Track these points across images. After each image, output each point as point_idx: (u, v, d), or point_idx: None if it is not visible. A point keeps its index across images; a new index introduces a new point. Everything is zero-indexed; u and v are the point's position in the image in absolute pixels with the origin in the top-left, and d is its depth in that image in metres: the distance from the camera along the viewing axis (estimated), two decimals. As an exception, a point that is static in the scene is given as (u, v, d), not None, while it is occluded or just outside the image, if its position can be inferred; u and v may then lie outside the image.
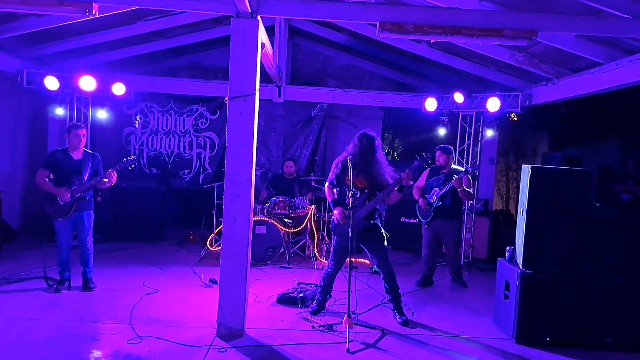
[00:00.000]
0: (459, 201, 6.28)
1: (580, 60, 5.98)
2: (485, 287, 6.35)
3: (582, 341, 4.56)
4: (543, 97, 7.23)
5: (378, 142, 4.83)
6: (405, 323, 4.84)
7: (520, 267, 4.65)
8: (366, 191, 4.81)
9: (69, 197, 5.28)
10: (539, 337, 4.55)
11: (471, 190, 6.18)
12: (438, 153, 6.32)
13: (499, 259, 5.16)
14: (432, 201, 6.27)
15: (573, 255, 4.58)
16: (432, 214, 6.27)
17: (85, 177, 5.39)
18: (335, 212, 4.86)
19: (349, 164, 4.61)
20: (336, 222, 4.86)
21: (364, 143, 4.75)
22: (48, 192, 5.31)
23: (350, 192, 4.54)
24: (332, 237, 5.07)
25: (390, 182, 4.76)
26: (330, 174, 5.01)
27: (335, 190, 4.95)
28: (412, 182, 5.14)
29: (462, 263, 7.69)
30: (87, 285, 5.52)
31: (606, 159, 10.76)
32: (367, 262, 7.03)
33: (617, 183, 8.89)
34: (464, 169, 6.15)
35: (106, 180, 5.34)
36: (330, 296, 5.19)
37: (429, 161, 5.00)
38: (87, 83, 7.42)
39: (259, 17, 4.29)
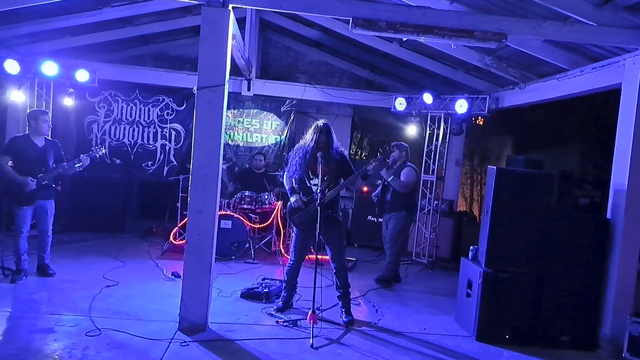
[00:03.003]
0: (402, 196, 6.23)
1: (547, 66, 6.13)
2: (448, 285, 6.43)
3: (539, 339, 4.67)
4: (510, 101, 7.38)
5: (332, 131, 4.83)
6: (350, 323, 4.76)
7: (483, 266, 4.73)
8: (326, 178, 4.71)
9: (34, 185, 5.15)
10: (499, 334, 4.63)
11: (404, 181, 6.18)
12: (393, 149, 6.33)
13: (462, 258, 5.23)
14: (372, 195, 6.68)
15: (534, 255, 4.68)
16: (378, 208, 6.60)
17: (50, 164, 5.28)
18: (292, 199, 4.86)
19: (308, 157, 4.66)
20: (292, 207, 4.85)
21: (322, 132, 4.73)
22: (11, 180, 5.14)
23: (315, 185, 4.53)
24: (292, 228, 5.00)
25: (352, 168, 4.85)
26: (291, 167, 4.89)
27: (293, 180, 4.90)
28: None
29: (426, 262, 7.79)
30: (45, 271, 5.39)
31: (567, 164, 11.10)
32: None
33: (577, 187, 9.18)
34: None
35: (79, 164, 5.27)
36: (296, 292, 5.16)
37: (391, 154, 4.98)
38: (50, 68, 7.19)
39: (230, 7, 4.23)
